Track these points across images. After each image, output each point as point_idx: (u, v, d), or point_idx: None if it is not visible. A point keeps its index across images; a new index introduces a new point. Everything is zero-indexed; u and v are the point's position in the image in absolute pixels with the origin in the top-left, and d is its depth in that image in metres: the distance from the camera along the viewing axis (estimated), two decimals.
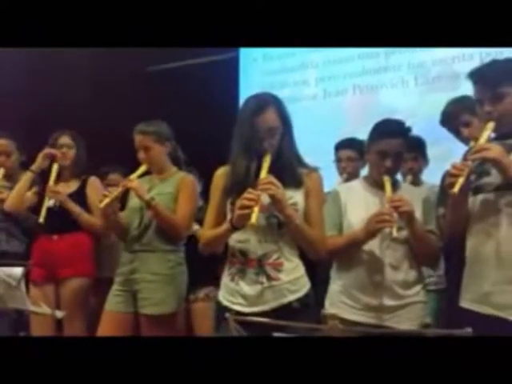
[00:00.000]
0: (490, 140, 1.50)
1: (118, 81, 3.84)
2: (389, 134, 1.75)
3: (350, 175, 2.49)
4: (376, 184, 1.80)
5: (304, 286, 1.59)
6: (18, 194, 2.51)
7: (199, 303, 2.46)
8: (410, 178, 2.34)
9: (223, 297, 1.62)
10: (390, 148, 1.74)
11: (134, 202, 2.18)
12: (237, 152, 1.58)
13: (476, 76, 1.55)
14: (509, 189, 1.46)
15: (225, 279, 1.64)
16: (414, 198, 1.75)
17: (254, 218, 1.43)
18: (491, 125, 1.50)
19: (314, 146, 3.20)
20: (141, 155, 2.17)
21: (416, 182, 2.37)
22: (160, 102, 3.59)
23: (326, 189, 1.98)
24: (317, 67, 3.77)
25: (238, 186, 1.54)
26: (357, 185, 1.91)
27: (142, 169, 2.16)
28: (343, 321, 1.71)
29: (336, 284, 1.83)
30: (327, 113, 3.64)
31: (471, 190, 1.56)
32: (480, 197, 1.54)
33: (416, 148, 2.40)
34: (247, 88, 3.71)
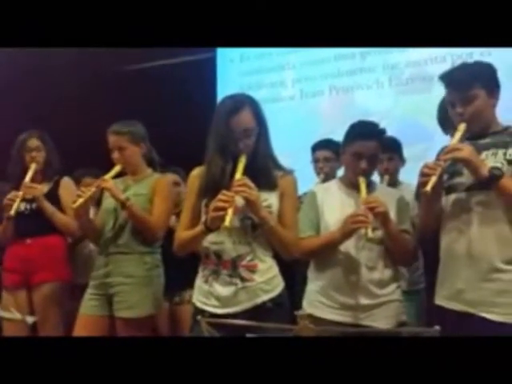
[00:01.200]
0: (462, 141, 1.54)
1: (94, 80, 3.79)
2: (364, 136, 1.77)
3: (327, 176, 2.51)
4: (351, 185, 1.82)
5: (277, 286, 1.59)
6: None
7: (184, 306, 2.44)
8: (387, 178, 2.37)
9: (197, 299, 1.61)
10: (365, 150, 1.76)
11: (108, 202, 2.14)
12: (212, 153, 1.57)
13: (447, 79, 1.58)
14: (480, 188, 1.49)
15: (198, 281, 1.63)
16: (388, 198, 1.77)
17: (227, 221, 1.42)
18: (463, 126, 1.53)
19: (292, 146, 3.23)
20: (115, 156, 2.13)
21: (393, 182, 2.40)
22: (136, 102, 3.55)
23: (303, 189, 2.00)
24: (294, 68, 3.79)
25: (212, 187, 1.53)
26: (333, 186, 1.93)
27: (116, 169, 2.12)
28: (320, 320, 1.73)
29: (313, 284, 1.84)
30: (304, 114, 3.66)
31: (444, 190, 1.59)
32: (452, 196, 1.57)
33: (391, 148, 2.43)
34: (225, 88, 3.71)
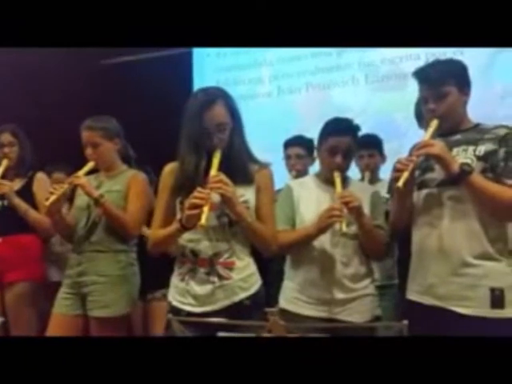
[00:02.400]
0: (434, 137, 1.56)
1: (68, 75, 3.71)
2: (338, 132, 1.79)
3: (299, 172, 2.50)
4: (327, 180, 1.83)
5: (255, 284, 1.59)
6: None
7: (156, 303, 2.42)
8: (368, 174, 2.39)
9: (173, 297, 1.59)
10: (340, 145, 1.78)
11: (81, 200, 2.10)
12: (185, 148, 1.54)
13: (420, 75, 1.61)
14: (451, 184, 1.52)
15: (174, 279, 1.61)
16: (362, 193, 1.79)
17: (203, 219, 1.40)
18: (435, 122, 1.56)
19: (269, 143, 3.23)
20: (88, 152, 2.08)
21: (373, 178, 2.42)
22: (110, 97, 3.49)
23: (279, 185, 2.00)
24: (271, 65, 3.79)
25: (187, 184, 1.50)
26: (309, 181, 1.94)
27: (90, 165, 2.08)
28: (297, 316, 1.75)
29: (289, 280, 1.85)
30: (282, 110, 3.67)
31: (416, 185, 1.62)
32: (424, 192, 1.60)
33: (372, 145, 2.46)
34: (201, 84, 3.67)
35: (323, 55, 3.61)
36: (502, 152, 1.50)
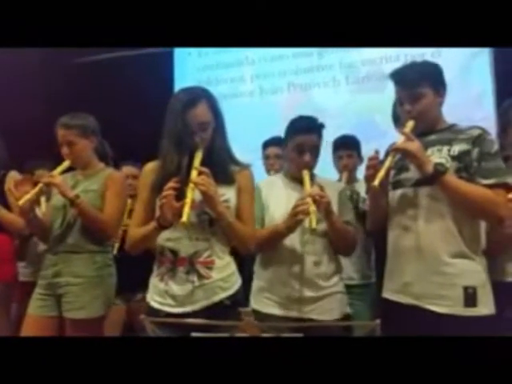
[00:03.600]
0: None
1: (47, 72, 3.65)
2: (305, 130, 1.80)
3: (278, 172, 2.51)
4: (295, 179, 1.84)
5: (235, 283, 1.58)
6: None
7: (138, 304, 2.40)
8: (345, 174, 2.41)
9: (151, 298, 1.58)
10: (307, 143, 1.79)
11: (56, 199, 2.05)
12: (167, 147, 1.53)
13: (396, 77, 1.62)
14: (425, 184, 1.53)
15: (153, 280, 1.59)
16: (331, 190, 1.80)
17: (185, 217, 1.39)
18: (411, 123, 1.57)
19: (251, 142, 3.23)
20: (64, 151, 2.04)
21: (351, 179, 2.44)
22: (90, 95, 3.44)
23: None
24: (253, 64, 3.80)
25: (167, 182, 1.48)
26: (277, 180, 1.94)
27: (65, 164, 2.04)
28: (266, 316, 1.75)
29: (259, 279, 1.85)
30: (264, 110, 3.67)
31: (391, 185, 1.63)
32: (399, 191, 1.61)
33: (351, 146, 2.48)
34: (182, 82, 3.66)
35: (304, 56, 3.63)
36: (475, 152, 1.52)
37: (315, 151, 1.81)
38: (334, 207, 1.76)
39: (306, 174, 1.75)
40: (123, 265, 2.13)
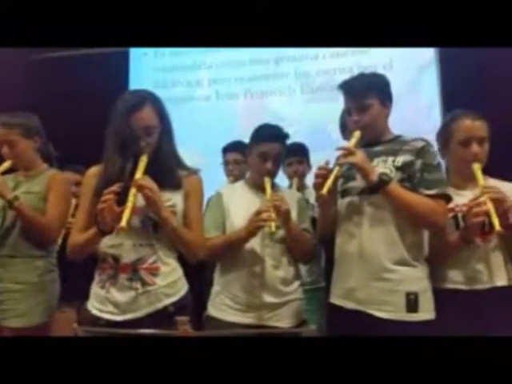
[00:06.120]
0: (356, 147, 1.62)
1: None
2: (269, 138, 1.82)
3: (237, 178, 2.52)
4: (257, 186, 1.85)
5: (181, 289, 1.56)
6: None
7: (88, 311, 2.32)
8: (296, 180, 2.45)
9: (92, 305, 1.54)
10: (270, 151, 1.81)
11: None
12: (110, 151, 1.50)
13: (345, 87, 1.67)
14: (371, 192, 1.58)
15: (94, 287, 1.56)
16: (290, 199, 1.84)
17: (124, 222, 1.36)
18: (357, 133, 1.62)
19: (207, 147, 3.23)
20: (4, 150, 1.96)
21: (301, 185, 2.48)
22: (39, 93, 3.32)
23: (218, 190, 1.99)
24: (210, 68, 3.79)
25: (110, 187, 1.45)
26: (239, 186, 1.95)
27: (5, 165, 1.95)
28: (225, 323, 1.74)
29: (218, 285, 1.84)
30: (220, 115, 3.67)
31: (339, 193, 1.67)
32: (347, 199, 1.66)
33: (300, 153, 2.53)
34: (137, 83, 3.60)
35: (261, 63, 3.67)
36: (418, 163, 1.58)
37: (278, 160, 1.83)
38: (293, 215, 1.79)
39: (267, 182, 1.77)
40: (74, 271, 2.07)
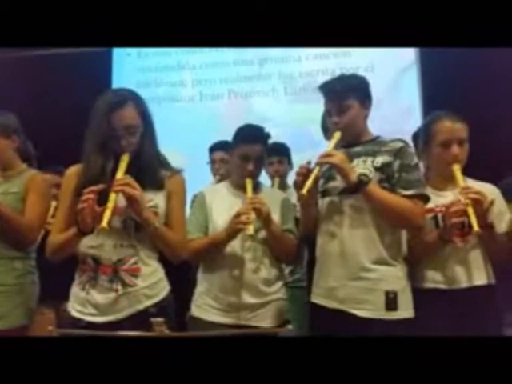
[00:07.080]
0: (337, 147, 1.64)
1: None
2: (251, 139, 1.83)
3: (223, 177, 2.52)
4: (239, 187, 1.85)
5: (162, 290, 1.56)
6: None
7: (67, 312, 2.30)
8: (277, 180, 2.46)
9: (72, 307, 1.53)
10: (252, 152, 1.81)
11: None
12: (91, 150, 1.48)
13: (325, 89, 1.69)
14: (351, 192, 1.60)
15: (75, 289, 1.54)
16: (273, 199, 1.85)
17: (105, 222, 1.35)
18: (338, 134, 1.64)
19: (190, 147, 3.23)
20: None
21: (283, 184, 2.49)
22: (20, 93, 3.27)
23: (200, 190, 1.99)
24: (193, 69, 3.78)
25: (90, 187, 1.43)
26: (221, 187, 1.95)
27: None
28: (208, 323, 1.74)
29: (201, 286, 1.84)
30: (204, 115, 3.67)
31: (320, 193, 1.69)
32: (327, 199, 1.67)
33: (281, 152, 2.54)
34: (120, 84, 3.56)
35: (245, 64, 3.68)
36: (396, 164, 1.60)
37: (260, 161, 1.84)
38: (277, 216, 1.80)
39: (248, 183, 1.77)
40: (53, 271, 2.04)
